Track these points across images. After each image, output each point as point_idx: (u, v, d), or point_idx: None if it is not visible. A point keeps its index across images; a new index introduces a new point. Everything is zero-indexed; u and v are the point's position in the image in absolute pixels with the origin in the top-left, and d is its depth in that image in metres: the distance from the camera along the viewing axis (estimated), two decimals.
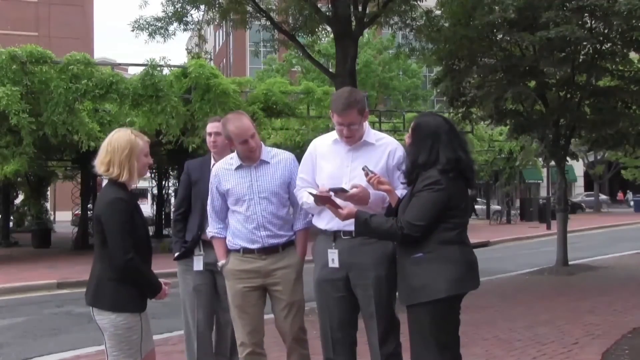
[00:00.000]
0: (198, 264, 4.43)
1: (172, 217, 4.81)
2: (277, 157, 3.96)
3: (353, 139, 3.63)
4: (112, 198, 3.29)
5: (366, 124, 3.71)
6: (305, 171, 3.81)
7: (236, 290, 3.87)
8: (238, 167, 3.91)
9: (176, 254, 4.57)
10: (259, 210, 3.83)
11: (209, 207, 4.08)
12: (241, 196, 3.86)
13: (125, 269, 3.24)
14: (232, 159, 3.96)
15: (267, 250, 3.85)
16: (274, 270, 3.84)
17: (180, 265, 4.61)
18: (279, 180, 3.88)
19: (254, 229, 3.83)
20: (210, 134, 4.47)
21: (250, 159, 3.88)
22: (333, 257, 3.61)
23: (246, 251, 3.87)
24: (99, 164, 3.35)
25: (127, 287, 3.29)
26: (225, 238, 3.98)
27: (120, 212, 3.26)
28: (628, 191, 48.29)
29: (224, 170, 3.95)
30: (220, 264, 3.99)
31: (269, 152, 3.96)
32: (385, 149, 3.66)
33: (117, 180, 3.33)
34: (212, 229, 4.04)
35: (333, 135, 3.75)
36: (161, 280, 3.49)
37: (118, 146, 3.32)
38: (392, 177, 3.60)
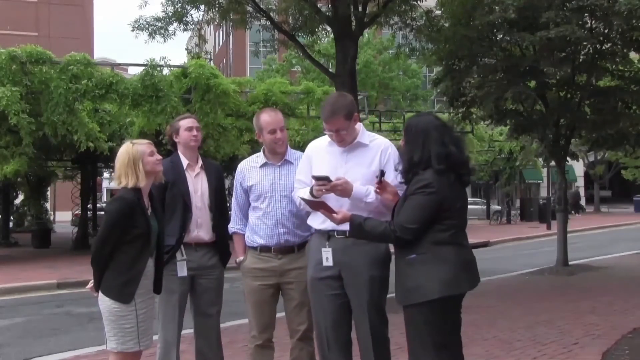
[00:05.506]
0: (182, 269, 4.15)
1: None
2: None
3: (344, 142, 3.69)
4: (115, 196, 3.72)
5: (360, 125, 3.76)
6: (302, 173, 3.86)
7: (252, 287, 4.05)
8: (263, 165, 4.06)
9: None
10: (278, 208, 3.98)
11: (233, 204, 4.21)
12: (263, 192, 4.01)
13: (92, 253, 3.62)
14: (257, 157, 4.11)
15: (283, 250, 4.00)
16: (289, 270, 4.00)
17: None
18: None
19: (273, 225, 3.98)
20: (191, 128, 4.27)
21: (275, 153, 4.04)
22: (327, 256, 3.65)
23: (263, 249, 4.01)
24: (115, 180, 3.78)
25: (119, 277, 3.59)
26: (244, 234, 4.13)
27: (115, 207, 3.62)
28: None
29: (249, 167, 4.11)
30: (238, 260, 4.15)
31: (293, 154, 4.11)
32: (378, 149, 3.70)
33: (128, 187, 3.66)
34: (234, 225, 4.20)
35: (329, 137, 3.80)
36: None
37: (120, 159, 3.66)
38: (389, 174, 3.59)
